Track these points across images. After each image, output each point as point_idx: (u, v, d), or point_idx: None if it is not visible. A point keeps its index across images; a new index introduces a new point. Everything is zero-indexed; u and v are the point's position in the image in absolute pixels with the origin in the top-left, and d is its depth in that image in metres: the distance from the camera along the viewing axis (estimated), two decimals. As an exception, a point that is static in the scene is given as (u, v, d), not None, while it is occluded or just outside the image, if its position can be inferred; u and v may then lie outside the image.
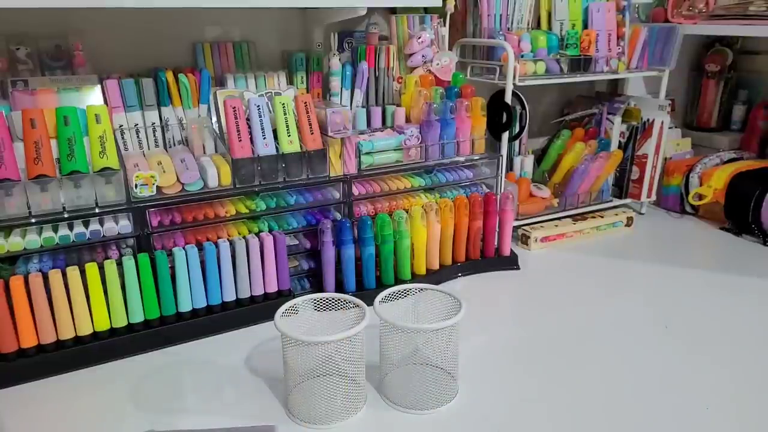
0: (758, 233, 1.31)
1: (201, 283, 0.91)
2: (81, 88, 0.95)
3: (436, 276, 1.10)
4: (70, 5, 0.77)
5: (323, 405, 0.72)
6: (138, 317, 0.87)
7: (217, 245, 0.91)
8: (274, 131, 0.98)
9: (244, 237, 0.94)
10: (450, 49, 1.27)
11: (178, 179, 0.91)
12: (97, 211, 0.85)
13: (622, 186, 1.47)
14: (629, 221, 1.39)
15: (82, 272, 0.82)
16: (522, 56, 1.22)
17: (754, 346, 0.90)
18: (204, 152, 1.00)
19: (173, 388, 0.80)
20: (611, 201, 1.45)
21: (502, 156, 1.21)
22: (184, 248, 0.89)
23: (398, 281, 1.06)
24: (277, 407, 0.75)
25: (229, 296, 0.94)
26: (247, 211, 0.97)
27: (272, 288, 0.96)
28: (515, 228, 1.26)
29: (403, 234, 1.03)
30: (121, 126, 0.98)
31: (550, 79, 1.27)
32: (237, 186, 0.95)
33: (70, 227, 0.85)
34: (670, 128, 1.48)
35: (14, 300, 0.78)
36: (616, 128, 1.42)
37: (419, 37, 1.19)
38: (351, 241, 1.00)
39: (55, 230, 0.84)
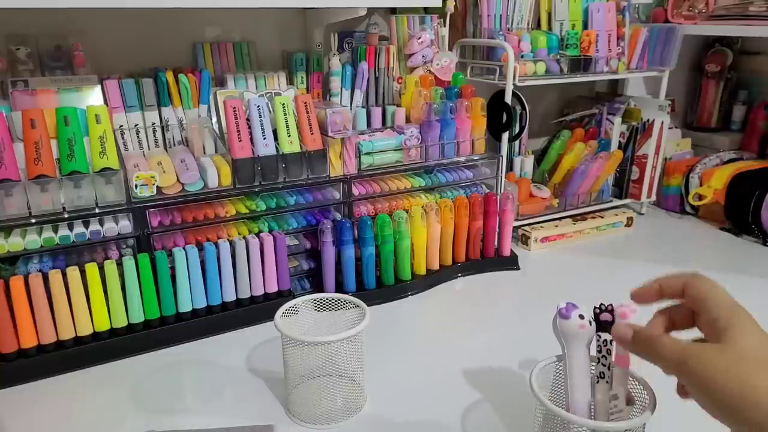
0: (758, 233, 1.31)
1: (201, 284, 0.91)
2: (81, 88, 0.95)
3: (436, 276, 1.10)
4: (70, 5, 0.77)
5: (323, 405, 0.72)
6: (138, 317, 0.87)
7: (217, 245, 0.91)
8: (274, 131, 0.98)
9: (244, 237, 0.94)
10: (450, 49, 1.27)
11: (178, 179, 0.91)
12: (97, 211, 0.85)
13: (622, 186, 1.47)
14: (629, 221, 1.39)
15: (82, 272, 0.82)
16: (522, 56, 1.22)
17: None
18: (204, 152, 1.00)
19: (173, 388, 0.80)
20: (611, 201, 1.45)
21: (502, 156, 1.21)
22: (184, 248, 0.89)
23: (398, 281, 1.06)
24: (277, 407, 0.75)
25: (229, 296, 0.94)
26: (247, 211, 0.97)
27: (272, 288, 0.96)
28: (515, 228, 1.26)
29: (403, 234, 1.03)
30: (121, 126, 0.98)
31: (550, 80, 1.26)
32: (237, 186, 0.95)
33: (70, 227, 0.85)
34: (670, 128, 1.48)
35: (14, 300, 0.78)
36: (616, 128, 1.42)
37: (419, 38, 1.19)
38: (351, 241, 1.00)
39: (55, 230, 0.84)
